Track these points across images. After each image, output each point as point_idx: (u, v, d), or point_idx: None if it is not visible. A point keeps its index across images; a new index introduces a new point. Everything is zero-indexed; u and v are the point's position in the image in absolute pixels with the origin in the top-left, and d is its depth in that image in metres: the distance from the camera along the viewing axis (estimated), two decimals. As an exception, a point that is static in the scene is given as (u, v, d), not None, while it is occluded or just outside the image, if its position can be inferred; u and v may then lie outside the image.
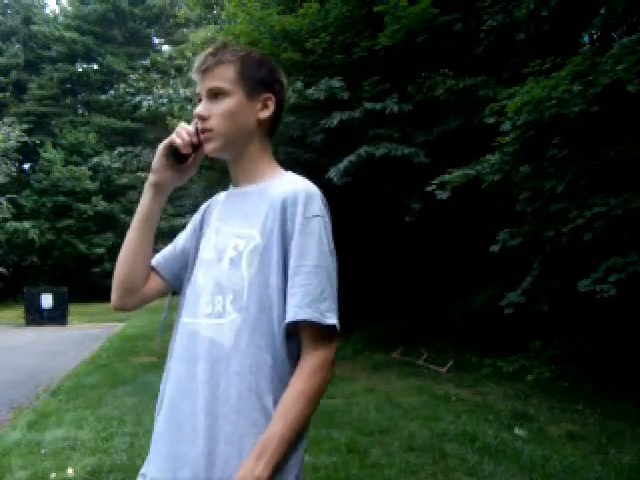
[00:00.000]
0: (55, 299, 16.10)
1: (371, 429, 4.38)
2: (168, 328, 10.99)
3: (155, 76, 10.76)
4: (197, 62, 1.19)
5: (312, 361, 1.05)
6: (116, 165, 12.16)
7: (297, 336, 1.08)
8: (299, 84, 7.49)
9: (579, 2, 5.75)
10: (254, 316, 1.08)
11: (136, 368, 7.51)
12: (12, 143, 18.50)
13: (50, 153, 26.03)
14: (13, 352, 10.09)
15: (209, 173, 11.54)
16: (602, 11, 5.64)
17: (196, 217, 1.33)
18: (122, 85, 10.97)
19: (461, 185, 5.65)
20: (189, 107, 8.54)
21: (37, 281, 23.48)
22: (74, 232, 25.62)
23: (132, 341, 10.64)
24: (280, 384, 1.06)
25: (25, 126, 21.98)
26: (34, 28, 29.84)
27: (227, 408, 1.05)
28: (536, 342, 6.57)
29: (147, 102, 8.58)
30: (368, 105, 7.15)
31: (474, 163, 5.78)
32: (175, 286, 1.29)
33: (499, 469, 3.49)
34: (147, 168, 12.13)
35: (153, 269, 1.28)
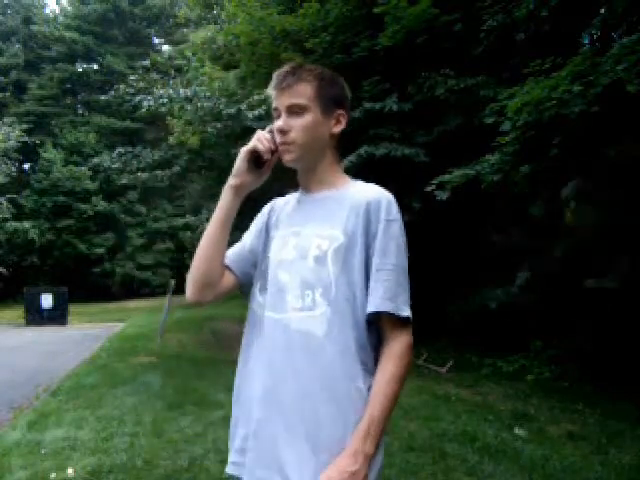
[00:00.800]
0: (55, 299, 16.10)
1: (371, 429, 4.37)
2: (168, 328, 11.00)
3: (155, 76, 10.76)
4: (276, 79, 1.32)
5: (397, 346, 1.21)
6: (116, 165, 12.14)
7: (374, 326, 1.23)
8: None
9: (579, 2, 5.75)
10: (342, 307, 1.21)
11: (136, 368, 7.51)
12: (12, 143, 18.49)
13: (50, 153, 26.04)
14: (13, 352, 10.09)
15: (209, 173, 11.56)
16: (602, 11, 5.64)
17: (260, 219, 1.46)
18: (122, 85, 10.96)
19: (461, 185, 5.65)
20: (189, 107, 8.54)
21: (37, 281, 23.49)
22: (74, 232, 25.63)
23: (132, 341, 10.64)
24: (363, 367, 1.21)
25: (25, 126, 21.97)
26: (34, 28, 29.83)
27: (328, 392, 1.18)
28: (536, 342, 6.58)
29: (147, 102, 8.58)
30: (368, 105, 7.15)
31: (474, 163, 5.78)
32: (244, 284, 1.40)
33: (499, 469, 3.49)
34: (147, 168, 12.13)
35: (227, 267, 1.38)
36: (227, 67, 10.52)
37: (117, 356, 8.76)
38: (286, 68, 1.33)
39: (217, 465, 3.62)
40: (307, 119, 1.29)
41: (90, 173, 25.83)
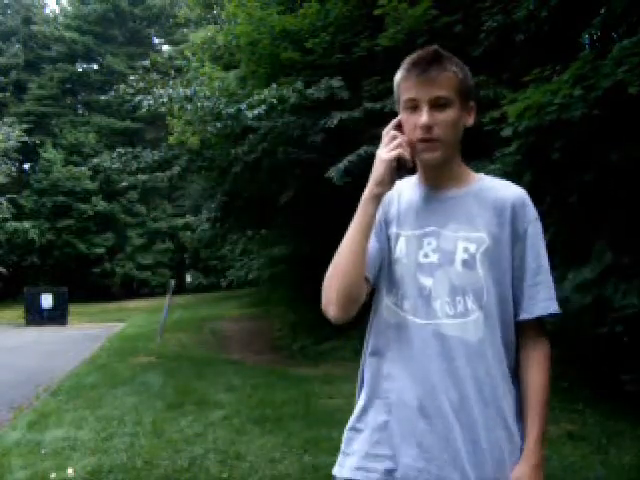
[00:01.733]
0: (55, 299, 16.12)
1: (371, 429, 4.38)
2: (167, 328, 10.99)
3: (155, 76, 10.75)
4: (416, 68, 1.23)
5: (546, 348, 1.25)
6: (116, 165, 12.14)
7: (516, 327, 1.24)
8: (299, 84, 7.49)
9: (579, 2, 5.75)
10: (493, 312, 1.20)
11: (136, 368, 7.51)
12: (12, 143, 18.51)
13: (50, 153, 26.05)
14: (13, 352, 10.10)
15: (209, 174, 11.55)
16: (602, 11, 5.64)
17: (384, 221, 1.35)
18: (122, 85, 10.96)
19: None
20: (189, 107, 8.53)
21: (37, 281, 23.50)
22: (74, 232, 25.64)
23: (132, 341, 10.64)
24: (509, 369, 1.22)
25: (25, 126, 22.00)
26: (34, 28, 29.85)
27: (492, 396, 1.18)
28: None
29: (147, 101, 8.58)
30: (368, 105, 7.15)
31: (473, 164, 5.78)
32: (375, 287, 1.32)
33: (499, 469, 3.49)
34: (147, 169, 12.12)
35: (367, 279, 1.29)
36: (227, 67, 10.52)
37: (117, 356, 8.76)
38: (427, 55, 1.24)
39: (217, 465, 3.62)
40: (451, 113, 1.20)
41: (90, 173, 25.83)
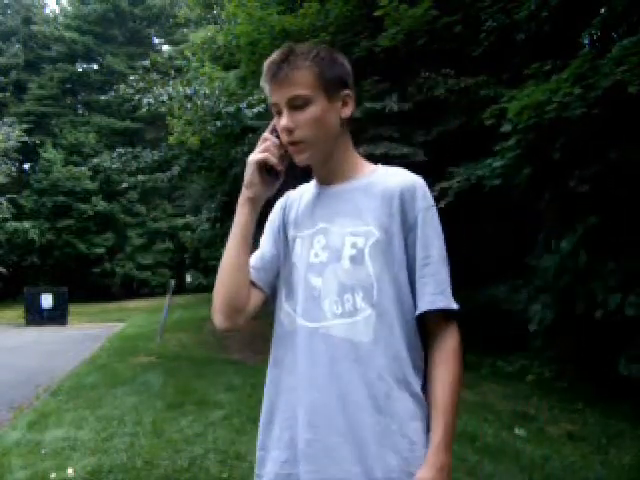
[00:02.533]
0: (55, 299, 16.11)
1: (371, 429, 4.38)
2: (167, 328, 10.99)
3: (155, 76, 10.74)
4: (268, 71, 1.16)
5: (451, 342, 1.13)
6: (116, 165, 12.14)
7: (421, 323, 1.15)
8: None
9: (579, 2, 5.75)
10: (388, 309, 1.11)
11: (136, 368, 7.51)
12: (12, 143, 18.50)
13: (50, 153, 26.05)
14: (13, 352, 10.09)
15: (209, 174, 11.56)
16: (602, 11, 5.64)
17: (274, 221, 1.32)
18: (122, 85, 10.96)
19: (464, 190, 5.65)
20: (189, 106, 8.54)
21: (37, 281, 23.50)
22: (74, 232, 25.64)
23: (132, 341, 10.64)
24: (416, 370, 1.13)
25: (25, 126, 22.00)
26: (34, 28, 29.85)
27: (383, 401, 1.08)
28: (536, 342, 6.57)
29: (147, 100, 8.58)
30: (368, 105, 7.15)
31: (474, 165, 5.78)
32: (271, 296, 1.26)
33: (499, 469, 3.49)
34: (147, 169, 12.13)
35: (255, 285, 1.24)
36: (227, 67, 10.52)
37: (117, 356, 8.76)
38: (278, 56, 1.16)
39: (217, 465, 3.62)
40: (312, 111, 1.14)
41: (90, 173, 25.84)
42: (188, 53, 12.20)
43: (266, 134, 1.20)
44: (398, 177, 1.19)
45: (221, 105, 8.23)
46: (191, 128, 9.36)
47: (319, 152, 1.18)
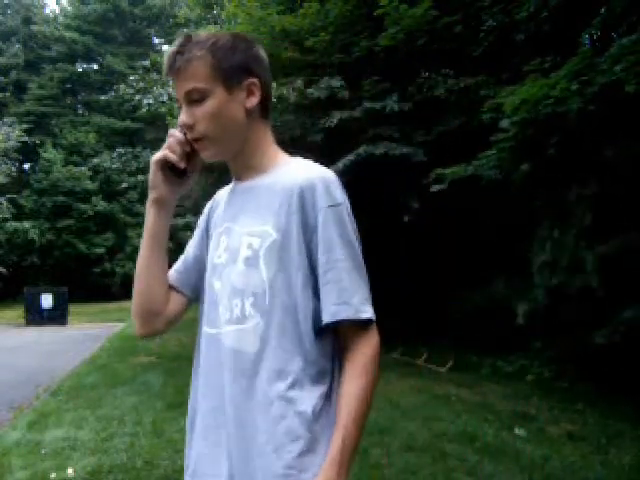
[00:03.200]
0: (55, 299, 16.11)
1: (371, 429, 4.38)
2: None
3: (155, 76, 10.74)
4: (165, 63, 1.08)
5: (359, 360, 1.00)
6: (116, 165, 12.17)
7: (330, 333, 1.03)
8: (299, 83, 7.49)
9: (579, 2, 5.75)
10: (279, 318, 1.01)
11: (136, 368, 7.51)
12: (12, 143, 18.48)
13: (50, 153, 26.04)
14: (13, 352, 10.09)
15: (209, 174, 11.56)
16: (602, 11, 5.64)
17: (201, 221, 1.27)
18: (122, 85, 10.95)
19: (459, 179, 5.66)
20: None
21: (37, 281, 23.48)
22: (74, 232, 25.63)
23: (132, 341, 10.63)
24: (314, 385, 1.01)
25: (25, 126, 21.98)
26: (34, 28, 29.83)
27: (259, 418, 1.00)
28: (536, 342, 6.57)
29: (147, 101, 8.58)
30: (368, 104, 7.16)
31: (472, 159, 5.79)
32: (194, 299, 1.22)
33: (499, 469, 3.49)
34: (147, 169, 12.15)
35: (172, 286, 1.20)
36: (227, 67, 10.50)
37: (117, 356, 8.76)
38: (174, 47, 1.07)
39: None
40: (210, 105, 1.05)
41: (90, 173, 25.84)
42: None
43: (171, 130, 1.12)
44: (302, 172, 1.06)
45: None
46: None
47: (224, 147, 1.10)
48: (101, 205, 26.35)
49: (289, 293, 1.01)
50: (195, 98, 1.06)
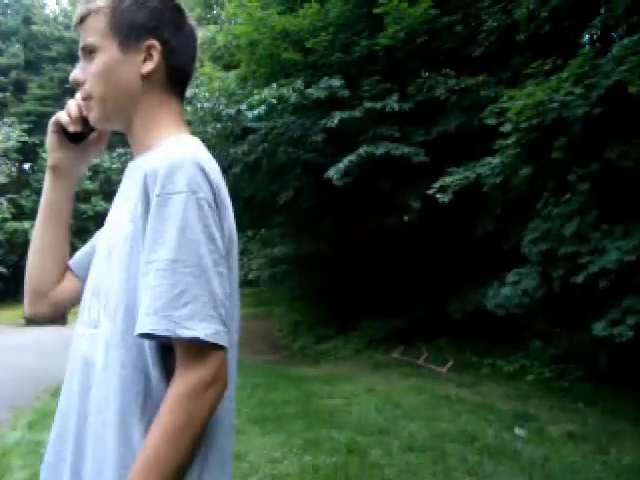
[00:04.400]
0: (55, 299, 16.09)
1: (371, 429, 4.38)
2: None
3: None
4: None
5: (178, 386, 0.79)
6: (116, 165, 12.17)
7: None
8: (299, 83, 7.49)
9: (579, 2, 5.75)
10: (120, 326, 0.85)
11: (136, 368, 7.51)
12: (12, 143, 18.50)
13: (50, 153, 26.06)
14: (13, 352, 10.10)
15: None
16: (602, 11, 5.65)
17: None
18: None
19: (463, 187, 5.66)
20: (188, 108, 8.54)
21: (37, 281, 23.46)
22: (74, 232, 25.39)
23: (132, 341, 10.63)
24: (145, 409, 0.84)
25: (25, 126, 22.00)
26: (34, 28, 29.85)
27: (92, 441, 0.86)
28: (536, 342, 6.57)
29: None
30: (368, 104, 7.16)
31: (474, 165, 5.79)
32: None
33: (499, 469, 3.49)
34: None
35: (69, 268, 1.09)
36: (227, 67, 10.52)
37: (117, 356, 8.75)
38: None
39: (217, 465, 3.61)
40: (98, 62, 0.94)
41: (90, 173, 25.85)
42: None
43: (77, 94, 1.02)
44: (157, 155, 0.89)
45: (221, 107, 8.23)
46: (191, 128, 9.37)
47: (109, 112, 0.97)
48: (101, 205, 26.35)
49: (132, 297, 0.85)
50: (89, 53, 0.96)
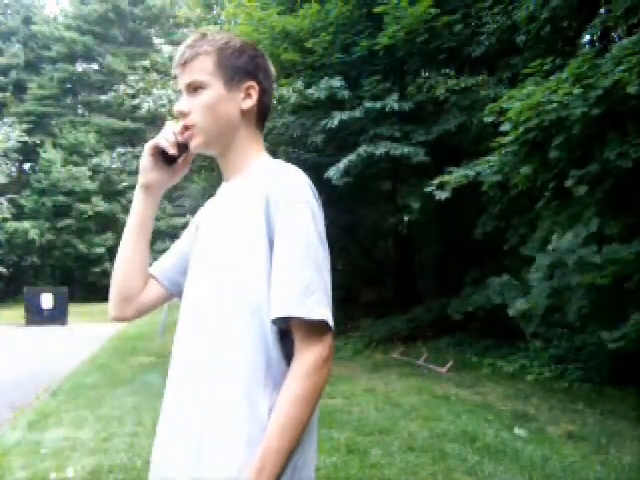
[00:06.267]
0: (55, 299, 16.09)
1: (371, 429, 4.38)
2: (168, 328, 11.03)
3: (155, 76, 10.74)
4: (177, 55, 1.14)
5: (305, 361, 0.97)
6: (116, 165, 12.19)
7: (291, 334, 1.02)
8: (299, 84, 7.49)
9: (579, 2, 5.75)
10: (245, 319, 1.02)
11: (136, 368, 7.51)
12: (12, 143, 18.50)
13: (50, 153, 26.03)
14: (13, 352, 10.09)
15: (209, 174, 11.58)
16: (602, 11, 5.65)
17: (194, 219, 1.30)
18: (122, 86, 10.96)
19: (461, 185, 5.66)
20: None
21: (37, 281, 23.50)
22: (74, 232, 25.62)
23: (132, 341, 10.64)
24: (276, 386, 1.00)
25: (25, 126, 22.02)
26: (34, 28, 29.84)
27: (215, 412, 1.01)
28: (536, 342, 6.58)
29: (147, 103, 8.58)
30: (368, 104, 7.16)
31: (474, 164, 5.79)
32: (175, 293, 1.25)
33: (499, 469, 3.49)
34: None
35: (152, 276, 1.25)
36: (227, 67, 10.51)
37: (117, 356, 8.76)
38: (187, 41, 1.14)
39: (217, 465, 3.62)
40: (206, 96, 1.10)
41: (90, 173, 25.85)
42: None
43: (169, 121, 1.19)
44: (268, 173, 1.09)
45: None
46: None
47: (211, 140, 1.13)
48: (101, 205, 26.34)
49: (254, 294, 1.04)
50: (195, 89, 1.11)
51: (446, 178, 5.72)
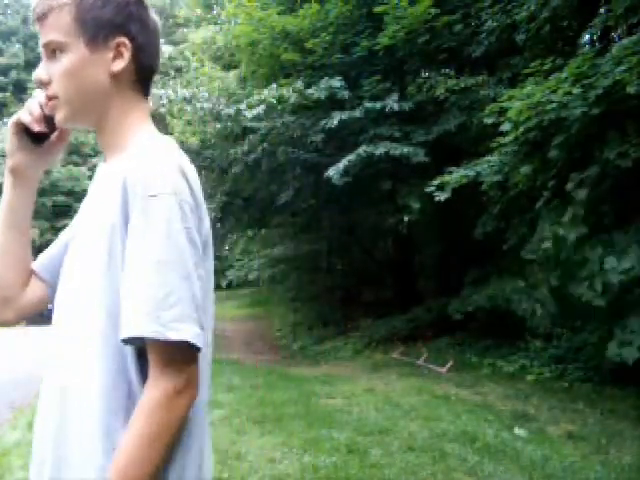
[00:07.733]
0: (55, 299, 16.12)
1: (371, 429, 4.38)
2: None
3: (155, 77, 10.76)
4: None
5: (152, 394, 0.79)
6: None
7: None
8: (299, 84, 7.50)
9: (579, 2, 5.76)
10: (105, 333, 0.84)
11: (136, 368, 7.50)
12: (12, 143, 18.50)
13: (50, 153, 26.06)
14: (13, 352, 10.09)
15: (209, 174, 11.59)
16: (602, 11, 5.65)
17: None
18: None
19: (461, 185, 5.67)
20: (188, 108, 8.55)
21: (37, 281, 23.46)
22: (73, 232, 25.66)
23: (132, 341, 10.63)
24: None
25: (25, 126, 21.99)
26: (34, 28, 29.79)
27: (73, 449, 0.84)
28: (536, 342, 6.58)
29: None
30: (368, 104, 7.17)
31: (473, 164, 5.79)
32: None
33: (499, 469, 3.49)
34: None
35: (33, 272, 1.04)
36: (227, 67, 10.54)
37: (117, 356, 8.75)
38: None
39: (217, 465, 3.62)
40: (65, 61, 0.90)
41: (90, 173, 25.85)
42: (188, 53, 12.22)
43: (37, 90, 0.98)
44: (136, 159, 0.87)
45: (221, 106, 8.24)
46: (191, 128, 9.38)
47: (78, 112, 0.94)
48: (100, 204, 26.39)
49: (115, 303, 0.85)
50: (53, 51, 0.92)
51: (446, 178, 5.72)
